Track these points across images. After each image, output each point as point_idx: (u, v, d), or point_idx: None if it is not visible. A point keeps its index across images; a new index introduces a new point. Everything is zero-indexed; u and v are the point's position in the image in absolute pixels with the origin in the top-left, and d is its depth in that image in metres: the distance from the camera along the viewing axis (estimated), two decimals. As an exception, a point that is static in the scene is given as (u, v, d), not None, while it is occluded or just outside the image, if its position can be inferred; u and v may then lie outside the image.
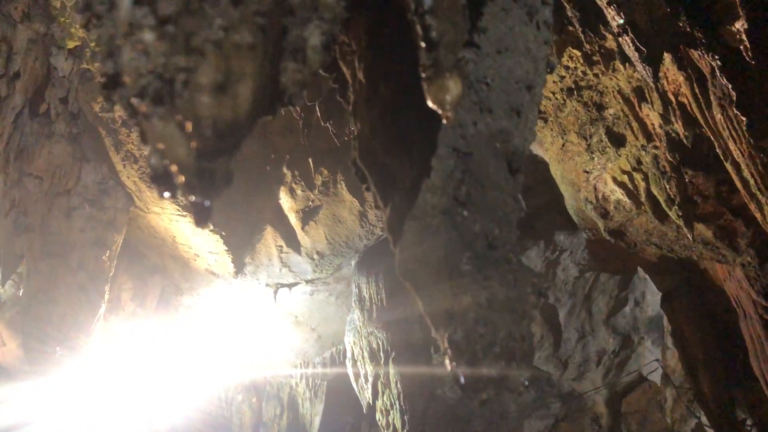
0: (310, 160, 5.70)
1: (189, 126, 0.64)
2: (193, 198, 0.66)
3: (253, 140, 5.47)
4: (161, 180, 0.66)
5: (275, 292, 7.01)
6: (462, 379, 0.80)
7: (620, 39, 2.90)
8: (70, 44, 4.86)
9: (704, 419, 7.49)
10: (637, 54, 2.60)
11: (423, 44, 0.76)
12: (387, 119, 0.98)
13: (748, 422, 7.22)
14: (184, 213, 5.65)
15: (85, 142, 5.28)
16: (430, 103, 0.77)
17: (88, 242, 5.39)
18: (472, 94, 0.91)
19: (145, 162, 5.26)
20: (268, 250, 6.47)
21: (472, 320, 0.80)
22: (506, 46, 0.93)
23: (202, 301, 7.02)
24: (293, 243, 6.42)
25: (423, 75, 0.76)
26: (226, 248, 6.01)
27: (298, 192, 5.93)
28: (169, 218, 5.71)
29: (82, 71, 4.97)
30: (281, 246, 6.42)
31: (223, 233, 5.84)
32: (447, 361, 0.81)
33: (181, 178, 0.65)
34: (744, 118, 2.61)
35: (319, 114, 4.07)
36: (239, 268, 6.36)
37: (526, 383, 0.87)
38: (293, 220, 6.20)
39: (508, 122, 0.91)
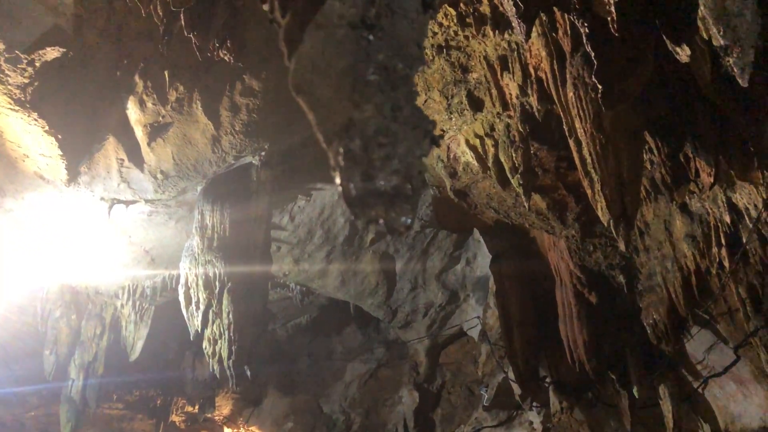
0: (166, 73, 5.37)
1: None
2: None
3: (107, 39, 5.04)
4: None
5: (110, 208, 6.62)
6: (354, 191, 0.75)
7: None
8: None
9: (511, 375, 8.15)
10: (514, 9, 2.68)
11: None
12: None
13: (548, 379, 7.97)
14: (16, 108, 5.12)
15: None
16: None
17: None
18: None
19: (-24, 43, 4.69)
20: (108, 162, 6.07)
21: (373, 130, 0.77)
22: None
23: (26, 207, 6.47)
24: (136, 158, 6.07)
25: None
26: (61, 153, 5.55)
27: (149, 105, 5.58)
28: (-3, 110, 5.16)
29: None
30: (122, 159, 6.04)
31: (59, 136, 5.38)
32: (337, 175, 0.76)
33: None
34: (600, 86, 2.79)
35: (183, 22, 3.81)
36: (73, 176, 5.92)
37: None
38: (139, 133, 5.84)
39: None
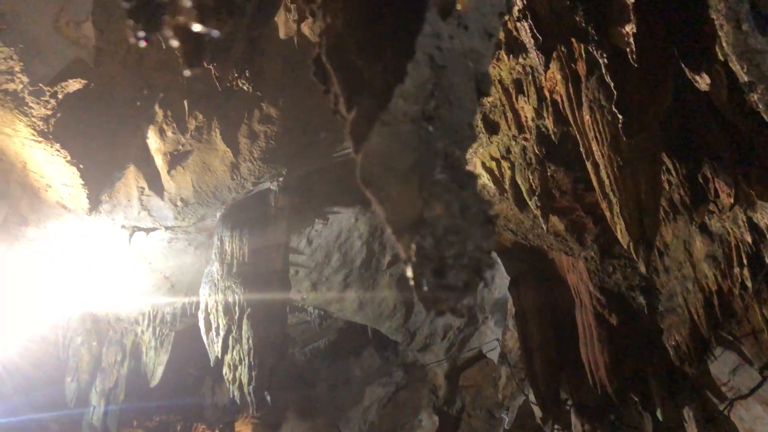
0: (185, 102, 5.46)
1: None
2: (197, 28, 0.67)
3: (127, 71, 5.14)
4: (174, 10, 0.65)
5: (130, 235, 6.70)
6: (426, 287, 0.79)
7: (518, 24, 3.01)
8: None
9: (532, 397, 8.07)
10: (533, 41, 2.71)
11: None
12: (365, 15, 0.94)
13: (569, 401, 7.88)
14: (40, 139, 5.22)
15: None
16: None
17: (-77, 156, 4.87)
18: (453, 7, 0.91)
19: (1, 77, 4.79)
20: (128, 191, 6.15)
21: (444, 228, 0.80)
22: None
23: (49, 235, 6.56)
24: (156, 186, 6.15)
25: None
26: (83, 182, 5.63)
27: (169, 134, 5.66)
28: (21, 142, 5.25)
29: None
30: (143, 188, 6.12)
31: (81, 166, 5.47)
32: (410, 270, 0.80)
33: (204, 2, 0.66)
34: (620, 117, 2.81)
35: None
36: (94, 205, 5.99)
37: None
38: (159, 162, 5.92)
39: (481, 43, 0.91)
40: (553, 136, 4.51)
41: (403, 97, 0.85)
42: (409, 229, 0.82)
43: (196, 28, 0.70)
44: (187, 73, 0.75)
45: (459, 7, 0.79)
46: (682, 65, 2.58)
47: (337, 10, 0.96)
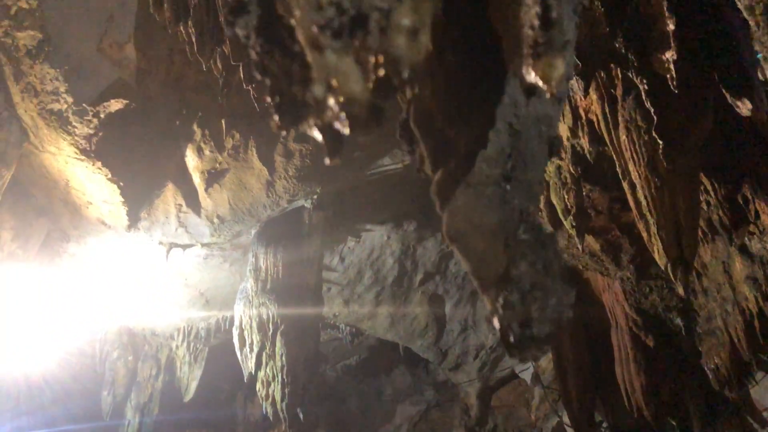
0: (223, 121, 5.56)
1: (372, 62, 0.68)
2: (343, 130, 0.71)
3: (167, 91, 5.26)
4: (319, 109, 0.71)
5: (168, 251, 6.81)
6: (512, 338, 0.86)
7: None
8: (-21, -41, 4.49)
9: (566, 419, 7.96)
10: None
11: (538, 22, 0.81)
12: (450, 87, 1.02)
13: (604, 424, 7.75)
14: (82, 157, 5.36)
15: (-20, 66, 4.92)
16: (533, 78, 0.82)
17: (-28, 174, 5.03)
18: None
19: (47, 97, 4.95)
20: (167, 208, 6.27)
21: (529, 285, 0.86)
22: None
23: (89, 251, 6.70)
24: (194, 203, 6.25)
25: (530, 51, 0.81)
26: (123, 199, 5.76)
27: (206, 152, 5.77)
28: (65, 160, 5.40)
29: (-13, -10, 4.61)
30: (181, 205, 6.24)
31: (122, 183, 5.60)
32: (496, 321, 0.87)
33: (352, 110, 0.70)
34: (661, 142, 2.79)
35: (242, 75, 3.97)
36: (133, 221, 6.12)
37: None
38: (197, 180, 6.03)
39: (552, 109, 0.97)
40: (588, 156, 4.48)
41: (485, 162, 0.93)
42: (495, 284, 0.88)
43: (344, 131, 0.77)
44: (327, 162, 0.84)
45: (548, 93, 0.84)
46: (723, 90, 2.56)
47: (425, 82, 1.03)
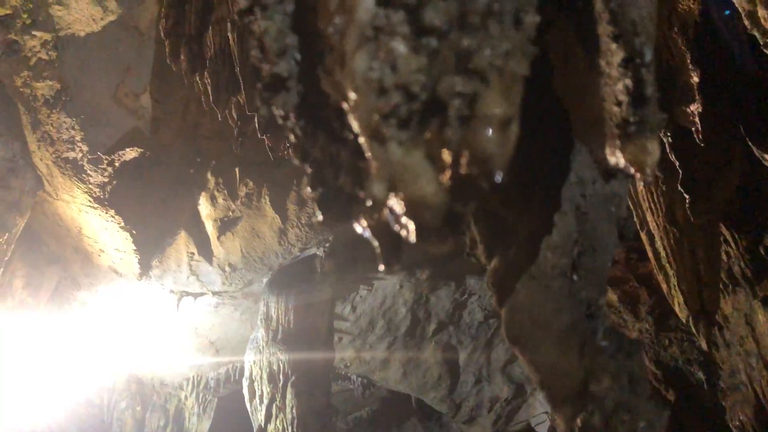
0: (236, 170, 5.57)
1: (450, 160, 0.56)
2: (409, 237, 0.59)
3: (182, 139, 5.29)
4: (375, 209, 0.59)
5: (179, 300, 6.76)
6: None
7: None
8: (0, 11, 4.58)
9: (584, 475, 7.69)
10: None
11: (628, 99, 0.70)
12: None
13: (625, 483, 7.48)
14: (96, 205, 5.37)
15: (-2, 115, 4.97)
16: (622, 162, 0.71)
17: (-14, 221, 5.03)
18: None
19: (62, 146, 4.98)
20: (179, 256, 6.24)
21: (613, 404, 0.74)
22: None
23: (99, 299, 6.66)
24: (206, 252, 6.22)
25: (618, 131, 0.70)
26: (135, 248, 5.74)
27: (220, 200, 5.76)
28: (78, 208, 5.41)
29: (8, 41, 4.68)
30: (193, 253, 6.21)
31: (134, 231, 5.58)
32: None
33: (422, 215, 0.57)
34: (687, 196, 2.73)
35: (257, 124, 3.97)
36: (145, 270, 6.09)
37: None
38: (210, 228, 6.01)
39: (620, 186, 0.87)
40: (605, 205, 4.42)
41: (551, 250, 0.82)
42: (571, 401, 0.76)
43: (409, 238, 0.60)
44: (381, 269, 0.68)
45: (641, 181, 0.72)
46: (750, 143, 2.51)
47: None
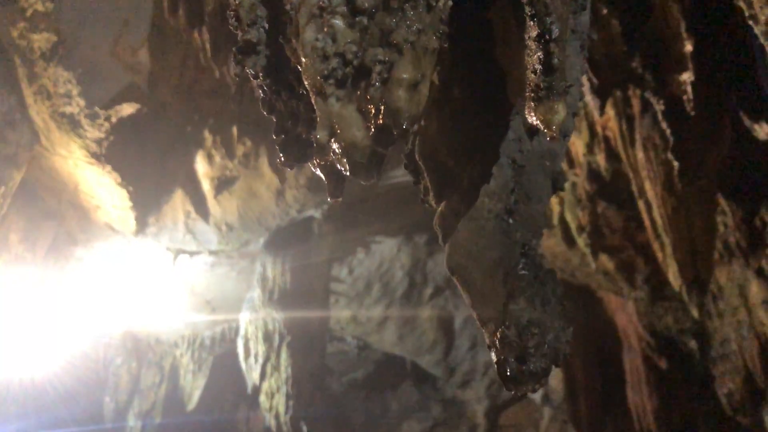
0: (234, 128, 5.52)
1: (373, 112, 0.72)
2: (345, 173, 0.75)
3: (179, 96, 5.24)
4: (322, 151, 0.75)
5: (175, 258, 6.77)
6: (509, 371, 0.88)
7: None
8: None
9: (574, 440, 7.80)
10: (588, 84, 2.67)
11: (540, 67, 0.83)
12: (456, 122, 1.06)
13: (614, 448, 7.60)
14: (92, 161, 5.34)
15: (-7, 67, 4.92)
16: (535, 121, 0.85)
17: (-18, 174, 5.02)
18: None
19: (59, 100, 4.93)
20: (175, 214, 6.23)
21: (526, 321, 0.90)
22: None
23: (96, 256, 6.68)
24: (202, 210, 6.21)
25: (533, 95, 0.84)
26: (132, 204, 5.73)
27: (217, 159, 5.73)
28: (75, 163, 5.38)
29: (3, -9, 4.60)
30: (189, 211, 6.20)
31: (131, 188, 5.56)
32: (494, 354, 0.90)
33: (354, 155, 0.74)
34: (676, 163, 2.72)
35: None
36: (141, 227, 6.09)
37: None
38: (206, 186, 5.99)
39: (557, 144, 1.02)
40: (604, 173, 4.41)
41: (488, 196, 0.98)
42: (494, 319, 0.91)
43: (345, 174, 0.78)
44: (329, 200, 0.91)
45: (548, 137, 0.86)
46: (741, 114, 2.49)
47: (431, 117, 1.08)
